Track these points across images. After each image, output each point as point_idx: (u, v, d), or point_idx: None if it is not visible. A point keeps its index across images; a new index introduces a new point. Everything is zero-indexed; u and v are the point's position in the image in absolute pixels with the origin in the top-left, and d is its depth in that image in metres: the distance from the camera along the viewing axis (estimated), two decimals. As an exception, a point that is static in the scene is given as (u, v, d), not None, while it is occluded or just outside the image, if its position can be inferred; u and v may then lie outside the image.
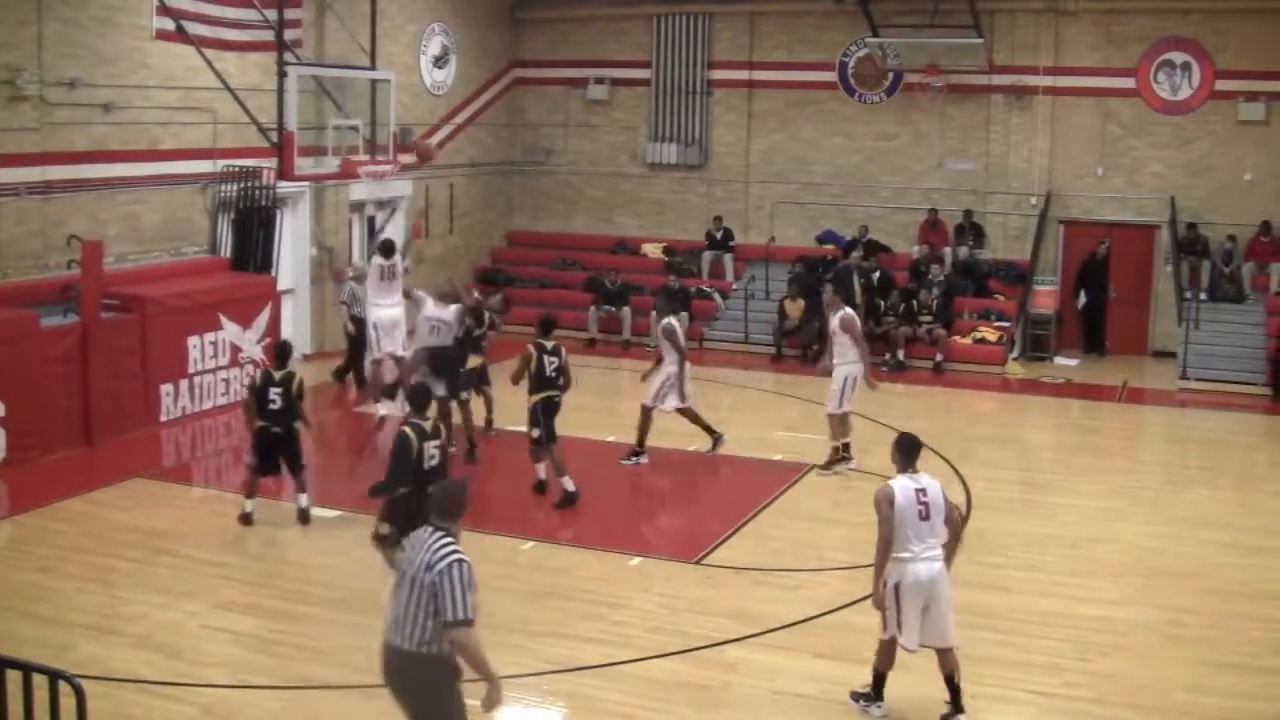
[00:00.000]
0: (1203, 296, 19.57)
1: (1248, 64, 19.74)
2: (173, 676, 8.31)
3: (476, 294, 15.58)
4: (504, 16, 23.94)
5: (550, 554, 11.00)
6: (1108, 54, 20.65)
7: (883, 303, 19.75)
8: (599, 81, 23.65)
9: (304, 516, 11.49)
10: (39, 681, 6.19)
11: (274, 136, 17.68)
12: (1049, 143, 20.99)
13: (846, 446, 13.65)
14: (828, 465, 13.57)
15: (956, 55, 20.76)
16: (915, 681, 8.21)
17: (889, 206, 22.04)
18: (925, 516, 7.75)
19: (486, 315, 14.14)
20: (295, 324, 18.81)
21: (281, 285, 17.82)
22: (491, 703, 6.03)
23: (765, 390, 18.54)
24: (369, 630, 9.12)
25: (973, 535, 11.52)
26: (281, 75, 17.66)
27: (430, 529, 6.12)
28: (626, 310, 20.93)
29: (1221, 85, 19.97)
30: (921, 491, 7.78)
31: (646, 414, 13.72)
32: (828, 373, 13.74)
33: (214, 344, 15.70)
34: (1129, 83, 20.54)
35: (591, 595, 9.95)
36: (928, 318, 19.66)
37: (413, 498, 9.19)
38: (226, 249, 17.13)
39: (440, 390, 13.65)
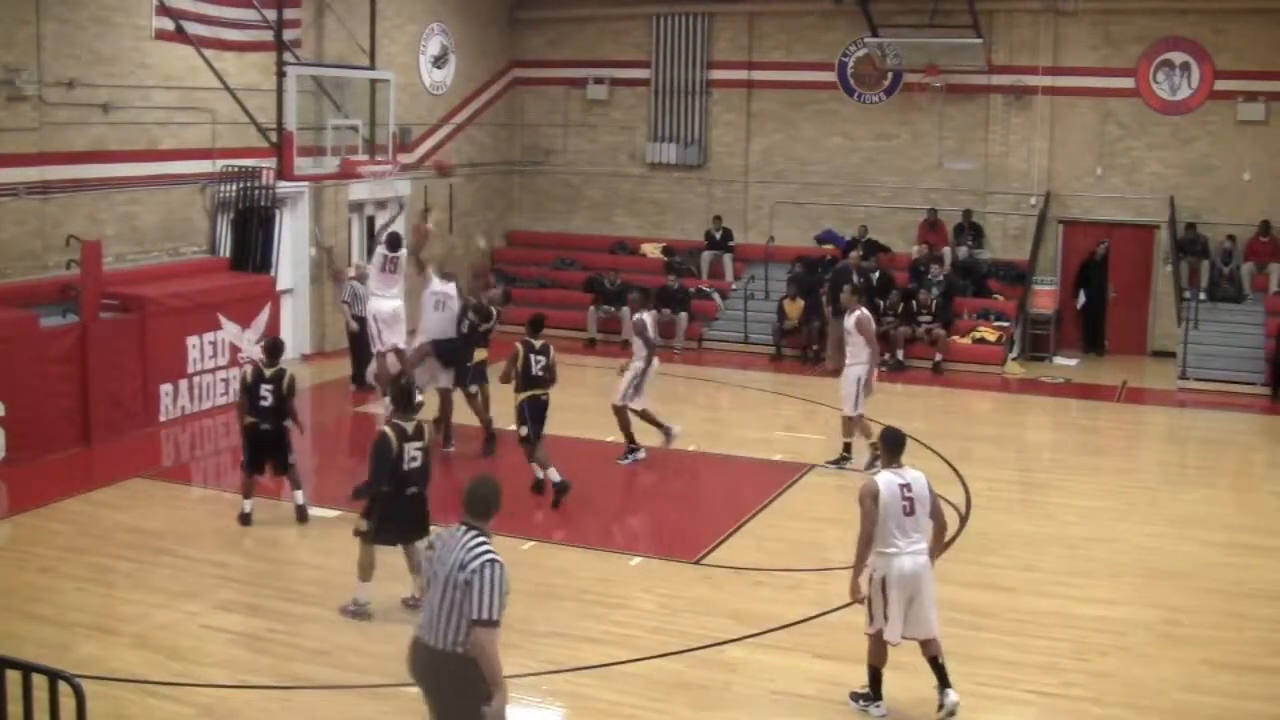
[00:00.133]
0: (1202, 296, 19.58)
1: (1247, 64, 19.74)
2: (172, 676, 8.30)
3: (491, 280, 15.43)
4: (503, 16, 23.94)
5: (550, 554, 11.00)
6: (1107, 54, 20.66)
7: (882, 303, 19.73)
8: (598, 81, 23.65)
9: (301, 514, 11.49)
10: (38, 681, 6.19)
11: (273, 136, 17.68)
12: (1048, 143, 20.99)
13: (848, 447, 13.64)
14: (869, 465, 13.50)
15: (956, 55, 20.76)
16: (915, 681, 8.22)
17: (888, 206, 22.04)
18: (910, 511, 7.79)
19: (494, 311, 14.18)
20: (295, 324, 18.82)
21: (281, 285, 17.82)
22: (496, 713, 5.98)
23: (765, 390, 18.54)
24: (368, 630, 9.16)
25: (972, 535, 11.58)
26: (281, 75, 17.64)
27: (464, 529, 6.07)
28: (626, 310, 20.90)
29: (1221, 85, 19.97)
30: (906, 487, 7.82)
31: (619, 412, 13.69)
32: (836, 372, 13.72)
33: (213, 344, 15.70)
34: (1128, 83, 20.54)
35: (591, 595, 9.95)
36: (927, 318, 19.67)
37: (391, 497, 9.20)
38: (226, 249, 17.14)
39: (445, 382, 13.73)
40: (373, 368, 15.26)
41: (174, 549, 10.78)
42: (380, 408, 15.13)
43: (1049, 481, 14.01)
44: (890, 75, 21.85)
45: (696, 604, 9.84)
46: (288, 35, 17.97)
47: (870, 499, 7.78)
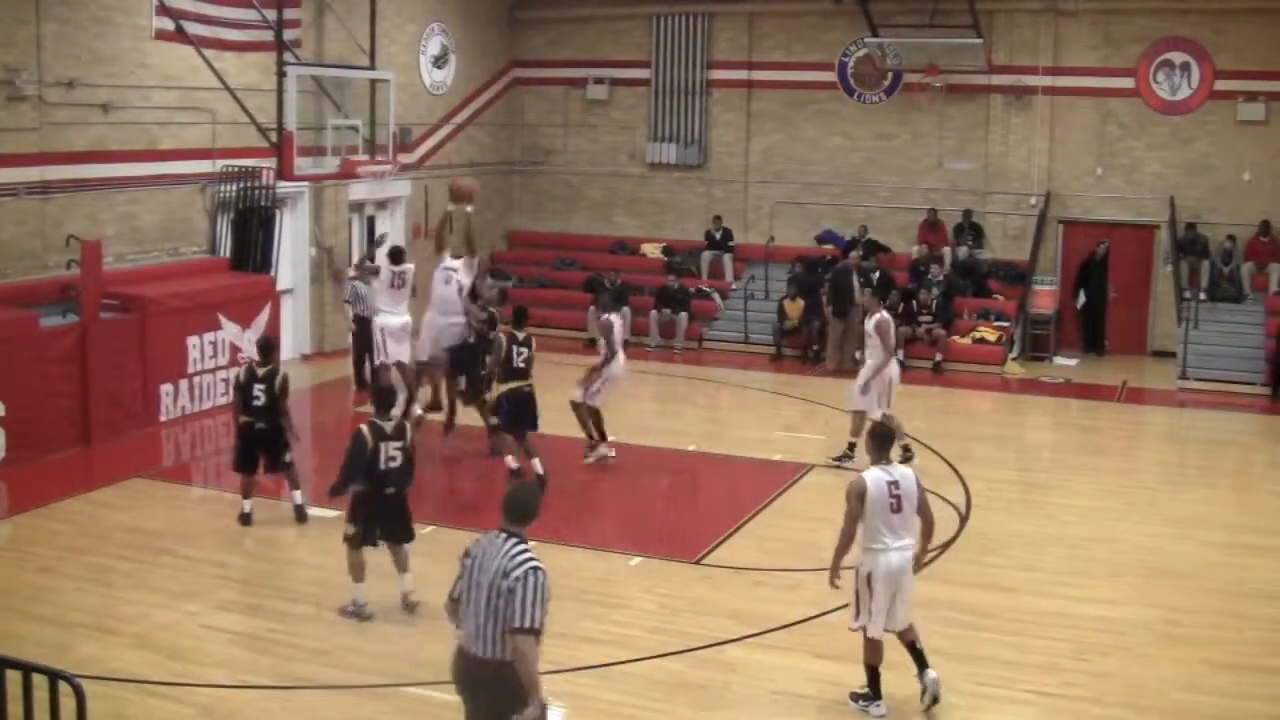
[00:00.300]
0: (1202, 296, 19.57)
1: (1247, 64, 19.74)
2: (172, 676, 8.31)
3: (489, 280, 15.38)
4: (503, 16, 23.94)
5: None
6: (1107, 54, 20.65)
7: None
8: (598, 81, 23.65)
9: (300, 514, 11.48)
10: (38, 681, 6.19)
11: (273, 136, 17.68)
12: (1048, 143, 20.99)
13: (852, 446, 13.63)
14: (839, 459, 13.60)
15: (956, 55, 20.76)
16: (913, 679, 8.22)
17: (888, 206, 22.04)
18: (897, 509, 7.83)
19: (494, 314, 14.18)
20: (295, 324, 18.82)
21: (281, 285, 17.82)
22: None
23: (765, 390, 18.53)
24: (368, 630, 9.17)
25: (972, 535, 11.59)
26: (281, 75, 17.65)
27: (503, 536, 6.03)
28: (626, 310, 20.89)
29: (1221, 85, 19.97)
30: (894, 484, 7.84)
31: (577, 409, 13.47)
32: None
33: (213, 344, 15.71)
34: (1128, 83, 20.54)
35: (591, 595, 9.94)
36: (927, 317, 19.66)
37: (369, 497, 9.21)
38: (226, 249, 17.14)
39: (460, 385, 13.69)
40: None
41: (174, 549, 10.79)
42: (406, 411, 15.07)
43: (1049, 481, 14.01)
44: (890, 75, 21.85)
45: (696, 604, 9.85)
46: (288, 35, 17.98)
47: (856, 497, 7.83)
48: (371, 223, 20.74)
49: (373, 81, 19.38)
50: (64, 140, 14.83)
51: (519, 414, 12.56)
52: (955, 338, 19.77)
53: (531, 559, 5.93)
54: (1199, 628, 9.50)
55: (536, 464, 12.51)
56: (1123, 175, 20.78)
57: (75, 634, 8.91)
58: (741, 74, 22.83)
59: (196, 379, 15.50)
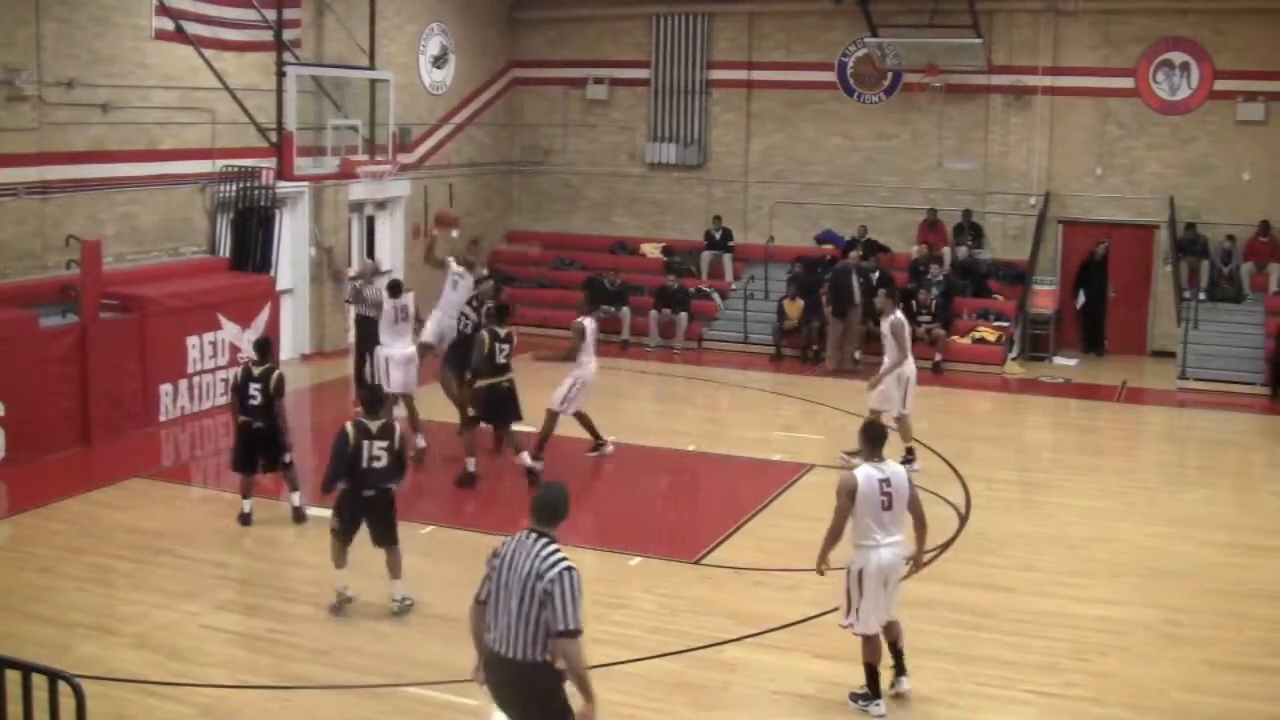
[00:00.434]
0: (1201, 296, 19.57)
1: (1247, 64, 19.74)
2: (172, 676, 8.31)
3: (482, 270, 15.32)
4: (503, 16, 23.95)
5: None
6: (1106, 54, 20.65)
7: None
8: (598, 81, 23.65)
9: (298, 515, 11.48)
10: (38, 681, 6.19)
11: (273, 136, 17.69)
12: (1048, 143, 20.99)
13: (910, 451, 13.59)
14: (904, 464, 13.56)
15: (955, 55, 20.76)
16: (914, 677, 8.23)
17: (888, 206, 22.04)
18: (888, 506, 7.86)
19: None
20: (294, 324, 18.82)
21: (280, 285, 17.82)
22: (584, 718, 5.99)
23: (764, 390, 18.53)
24: (368, 630, 9.17)
25: (972, 535, 11.59)
26: (280, 75, 17.65)
27: (534, 536, 6.02)
28: (625, 310, 20.95)
29: (1220, 85, 19.97)
30: (885, 481, 7.86)
31: (552, 417, 13.30)
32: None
33: (213, 344, 15.71)
34: (1128, 83, 20.54)
35: (591, 595, 9.87)
36: (927, 317, 19.65)
37: (349, 496, 9.22)
38: (225, 249, 17.13)
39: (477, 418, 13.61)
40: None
41: (174, 549, 10.79)
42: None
43: (1049, 481, 14.01)
44: (890, 75, 21.85)
45: (696, 604, 9.85)
46: (287, 35, 17.98)
47: (846, 494, 7.87)
48: (371, 223, 20.75)
49: (372, 81, 19.38)
50: (64, 140, 14.83)
51: (499, 408, 12.68)
52: (955, 338, 19.77)
53: (564, 559, 5.93)
54: (1199, 628, 9.50)
55: (525, 457, 12.62)
56: (1122, 175, 20.78)
57: (75, 634, 8.91)
58: (741, 74, 22.83)
59: (196, 379, 15.50)
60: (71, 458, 13.50)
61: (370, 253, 20.40)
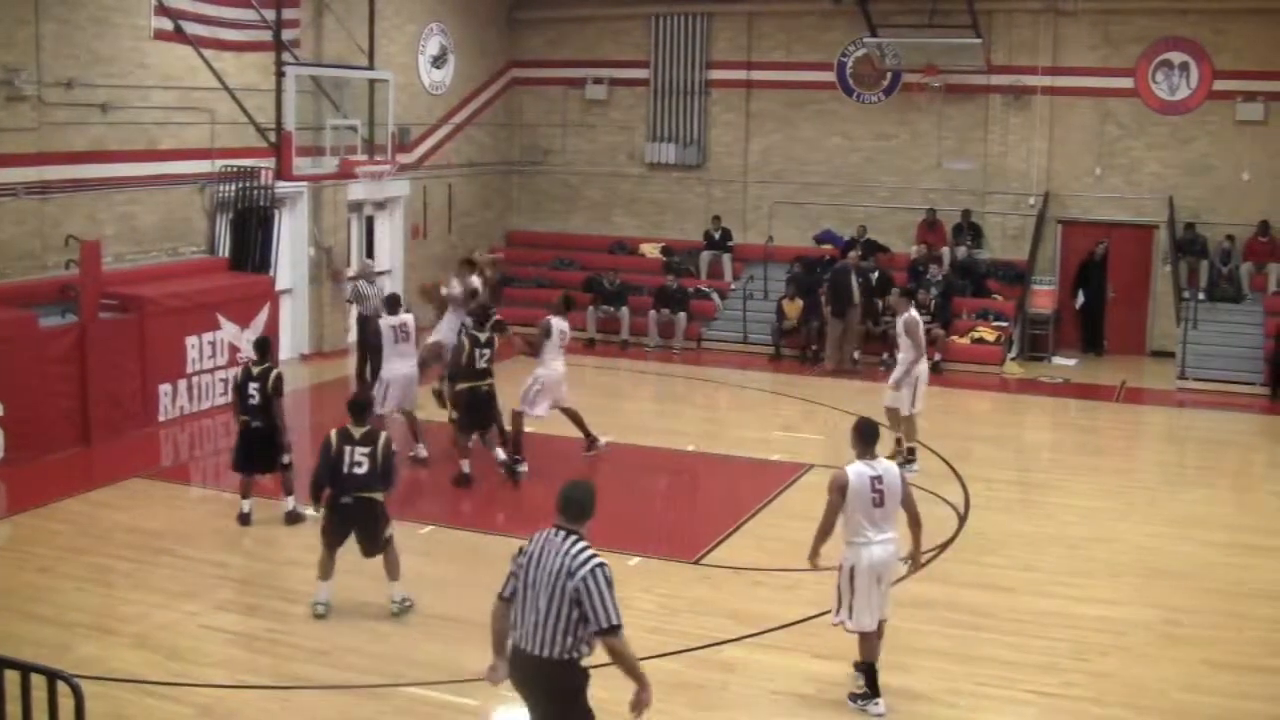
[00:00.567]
0: (1201, 296, 19.58)
1: (1246, 64, 19.75)
2: (171, 676, 8.30)
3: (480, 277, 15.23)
4: (502, 16, 23.94)
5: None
6: (1106, 54, 20.66)
7: (881, 303, 19.74)
8: (597, 81, 23.65)
9: (289, 519, 11.43)
10: (37, 681, 6.18)
11: (272, 136, 17.68)
12: (1047, 143, 20.99)
13: (912, 451, 13.58)
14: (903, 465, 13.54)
15: (955, 55, 20.76)
16: (913, 678, 8.23)
17: (887, 206, 22.04)
18: (880, 503, 7.89)
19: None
20: (294, 324, 18.81)
21: (280, 285, 17.81)
22: (642, 704, 6.05)
23: (763, 390, 18.53)
24: (367, 630, 9.16)
25: (971, 535, 11.59)
26: (279, 75, 17.64)
27: (561, 534, 6.04)
28: (625, 310, 20.95)
29: (1220, 85, 19.98)
30: (877, 479, 7.88)
31: (516, 418, 13.29)
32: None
33: (212, 344, 15.71)
34: (1127, 83, 20.55)
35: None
36: (926, 318, 19.56)
37: (331, 501, 9.23)
38: (225, 249, 17.13)
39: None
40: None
41: (173, 549, 10.78)
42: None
43: (1048, 481, 14.01)
44: (889, 75, 21.85)
45: (695, 604, 9.85)
46: (286, 35, 17.97)
47: (838, 490, 7.91)
48: (370, 223, 20.74)
49: (371, 81, 19.38)
50: (63, 140, 14.82)
51: (479, 412, 12.73)
52: (954, 338, 19.77)
53: (594, 556, 5.97)
54: (1199, 628, 9.51)
55: (499, 452, 12.80)
56: (1122, 175, 20.78)
57: (74, 634, 8.91)
58: (740, 74, 22.83)
59: (195, 379, 15.50)
60: (71, 458, 13.49)
61: (369, 253, 20.40)
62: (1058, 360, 20.22)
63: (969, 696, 8.20)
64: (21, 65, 14.08)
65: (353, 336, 18.20)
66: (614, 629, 5.88)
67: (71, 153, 14.94)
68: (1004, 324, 20.03)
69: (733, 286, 21.92)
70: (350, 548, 9.41)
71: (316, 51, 18.81)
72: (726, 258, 22.38)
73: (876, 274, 20.06)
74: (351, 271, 18.82)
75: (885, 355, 19.37)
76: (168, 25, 16.07)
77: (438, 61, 22.04)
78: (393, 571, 9.43)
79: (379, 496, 9.27)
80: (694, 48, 23.03)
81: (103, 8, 15.27)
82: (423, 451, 13.63)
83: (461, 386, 12.69)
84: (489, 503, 12.71)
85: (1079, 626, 9.42)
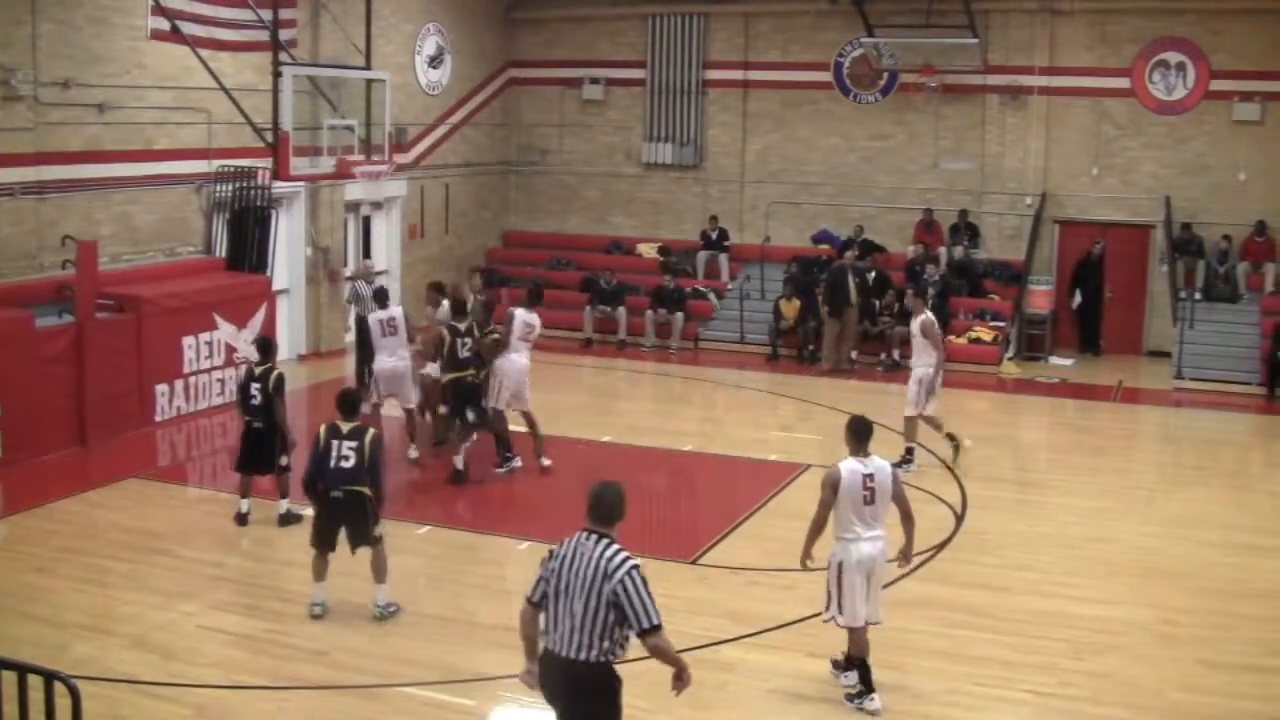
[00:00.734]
0: (1197, 296, 19.60)
1: (1242, 64, 19.77)
2: (168, 677, 8.30)
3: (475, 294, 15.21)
4: (499, 16, 23.94)
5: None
6: (1102, 54, 20.68)
7: (878, 302, 19.77)
8: (594, 81, 23.66)
9: (283, 520, 11.38)
10: (34, 682, 6.18)
11: (269, 136, 17.65)
12: (1044, 143, 21.01)
13: (910, 450, 13.58)
14: (898, 465, 13.54)
15: (951, 55, 20.79)
16: (911, 677, 8.23)
17: (884, 206, 22.05)
18: (870, 501, 7.93)
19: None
20: (291, 324, 18.80)
21: (277, 285, 17.79)
22: (683, 684, 6.26)
23: (760, 390, 18.53)
24: (365, 631, 9.16)
25: (968, 535, 11.59)
26: (276, 75, 17.62)
27: (594, 537, 6.02)
28: (622, 310, 20.95)
29: (1216, 85, 20.00)
30: (869, 476, 7.93)
31: (499, 417, 13.20)
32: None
33: (209, 344, 15.70)
34: (1124, 83, 20.57)
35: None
36: (924, 317, 19.64)
37: (320, 498, 9.24)
38: (221, 249, 17.12)
39: (472, 418, 13.48)
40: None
41: (170, 549, 10.78)
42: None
43: (1045, 481, 14.02)
44: (886, 75, 21.86)
45: (693, 604, 9.84)
46: (283, 35, 17.96)
47: (830, 486, 7.95)
48: (367, 223, 20.74)
49: (368, 81, 19.36)
50: (60, 140, 14.81)
51: (465, 400, 12.78)
52: (951, 337, 19.70)
53: (628, 558, 5.96)
54: (1195, 627, 9.51)
55: (458, 460, 12.80)
56: (1118, 175, 20.80)
57: (71, 634, 8.90)
58: (737, 74, 22.84)
59: (192, 379, 15.48)
60: (67, 458, 13.48)
61: (367, 253, 20.40)
62: (1054, 360, 20.23)
63: (966, 696, 8.21)
64: (18, 65, 14.07)
65: (351, 337, 18.18)
66: (655, 628, 5.97)
67: (68, 153, 14.93)
68: (1001, 324, 20.04)
69: (730, 286, 21.92)
70: (343, 552, 9.39)
71: (313, 51, 18.80)
72: (723, 258, 22.39)
73: (873, 274, 20.06)
74: (348, 272, 18.80)
75: (882, 355, 19.44)
76: (164, 25, 16.06)
77: (434, 61, 22.03)
78: (379, 574, 9.37)
79: (367, 491, 9.26)
80: (691, 48, 23.04)
81: (99, 8, 15.26)
82: (413, 453, 13.62)
83: (448, 378, 12.79)
84: (485, 503, 12.70)
85: (1076, 626, 9.43)
